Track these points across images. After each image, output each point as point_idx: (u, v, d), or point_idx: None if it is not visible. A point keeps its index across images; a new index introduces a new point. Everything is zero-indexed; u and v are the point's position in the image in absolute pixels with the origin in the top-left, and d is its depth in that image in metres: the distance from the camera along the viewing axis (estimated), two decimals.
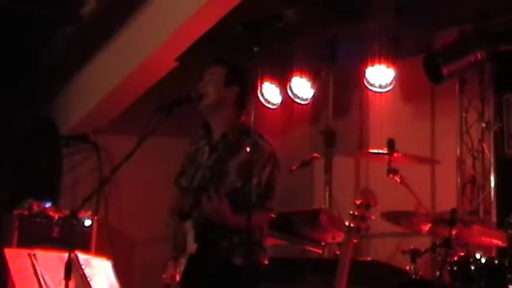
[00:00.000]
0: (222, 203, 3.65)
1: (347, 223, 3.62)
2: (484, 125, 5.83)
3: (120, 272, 4.22)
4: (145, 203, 6.57)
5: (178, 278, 3.78)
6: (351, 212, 3.59)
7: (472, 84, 5.92)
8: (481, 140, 5.84)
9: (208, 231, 3.74)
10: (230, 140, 3.84)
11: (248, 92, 3.97)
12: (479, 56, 5.53)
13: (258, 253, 3.81)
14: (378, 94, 6.17)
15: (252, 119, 3.51)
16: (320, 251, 5.39)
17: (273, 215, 3.98)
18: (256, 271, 3.73)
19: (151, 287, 4.52)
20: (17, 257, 4.00)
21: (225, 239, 3.75)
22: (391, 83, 6.04)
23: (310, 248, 5.46)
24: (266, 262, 3.87)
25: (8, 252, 4.06)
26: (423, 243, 4.86)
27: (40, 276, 3.92)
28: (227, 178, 3.76)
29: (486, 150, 5.80)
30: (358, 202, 3.61)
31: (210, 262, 3.76)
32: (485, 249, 4.79)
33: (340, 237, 4.94)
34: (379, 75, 6.05)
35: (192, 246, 3.74)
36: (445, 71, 5.53)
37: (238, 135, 3.83)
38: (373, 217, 3.62)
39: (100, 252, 5.20)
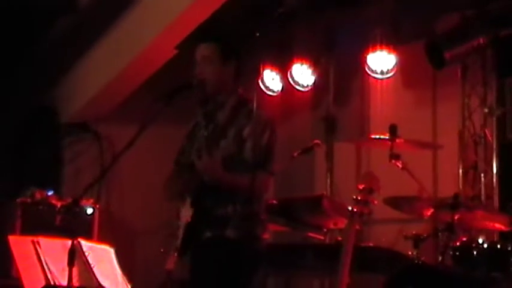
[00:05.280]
0: (213, 161, 3.58)
1: (350, 208, 3.62)
2: (486, 110, 5.80)
3: (122, 259, 4.23)
4: (146, 191, 6.56)
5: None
6: (354, 197, 3.59)
7: (474, 70, 5.89)
8: (483, 126, 5.82)
9: (202, 199, 3.68)
10: (228, 110, 3.81)
11: (243, 61, 3.91)
12: (481, 40, 5.50)
13: (255, 226, 3.64)
14: (379, 80, 6.14)
15: (255, 103, 3.50)
16: (322, 237, 5.38)
17: (274, 201, 3.96)
18: (254, 247, 3.58)
19: (153, 275, 4.53)
20: (20, 244, 4.01)
21: (220, 209, 3.67)
22: (392, 69, 6.01)
23: (312, 234, 5.46)
24: (266, 237, 3.74)
25: (12, 239, 4.07)
26: (425, 228, 4.85)
27: (44, 263, 3.93)
28: (221, 142, 3.70)
29: (488, 136, 5.78)
30: (361, 187, 3.61)
31: (203, 233, 3.67)
32: (487, 233, 4.78)
33: (342, 223, 4.93)
34: (381, 61, 6.01)
35: (188, 213, 3.68)
36: (447, 55, 5.50)
37: (236, 105, 3.81)
38: (376, 202, 3.62)
39: (102, 240, 5.20)
